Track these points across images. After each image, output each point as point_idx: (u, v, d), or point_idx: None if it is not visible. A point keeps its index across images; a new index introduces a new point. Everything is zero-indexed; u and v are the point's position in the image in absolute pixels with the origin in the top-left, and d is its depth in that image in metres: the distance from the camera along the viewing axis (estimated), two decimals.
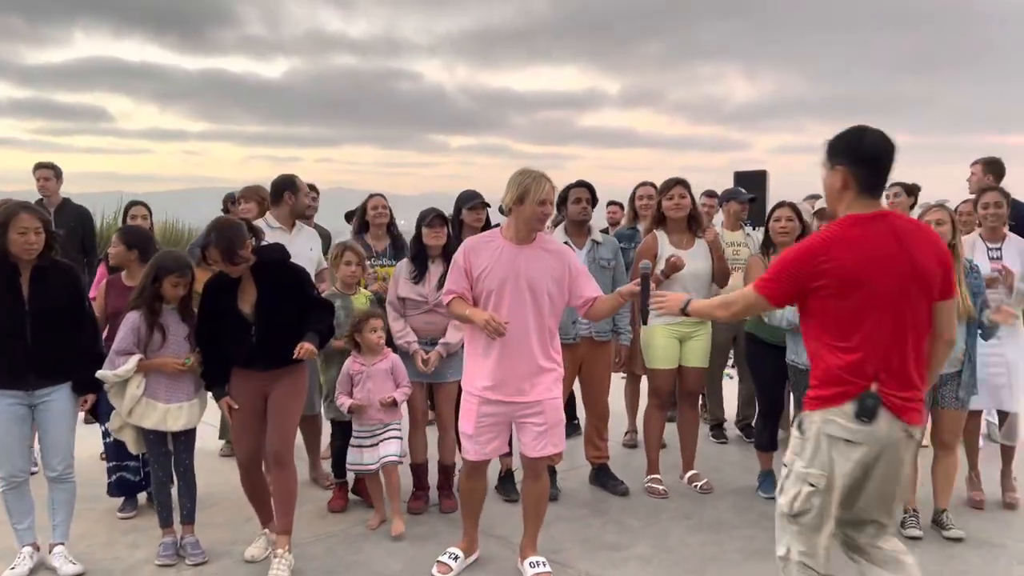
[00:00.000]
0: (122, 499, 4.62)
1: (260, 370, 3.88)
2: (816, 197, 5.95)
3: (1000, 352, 4.58)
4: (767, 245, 5.04)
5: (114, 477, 4.60)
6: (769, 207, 8.08)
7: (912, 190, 6.18)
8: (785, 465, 2.85)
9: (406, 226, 5.73)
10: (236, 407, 3.90)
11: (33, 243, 3.65)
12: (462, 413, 3.80)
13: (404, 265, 4.65)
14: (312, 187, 5.92)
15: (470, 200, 5.05)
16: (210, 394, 4.04)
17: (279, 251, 4.03)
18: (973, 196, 5.99)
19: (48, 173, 6.58)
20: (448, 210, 4.97)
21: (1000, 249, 4.86)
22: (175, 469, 4.02)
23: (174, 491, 4.05)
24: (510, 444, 4.33)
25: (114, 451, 4.55)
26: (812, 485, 2.72)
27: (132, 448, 4.04)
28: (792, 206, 5.02)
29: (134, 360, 3.80)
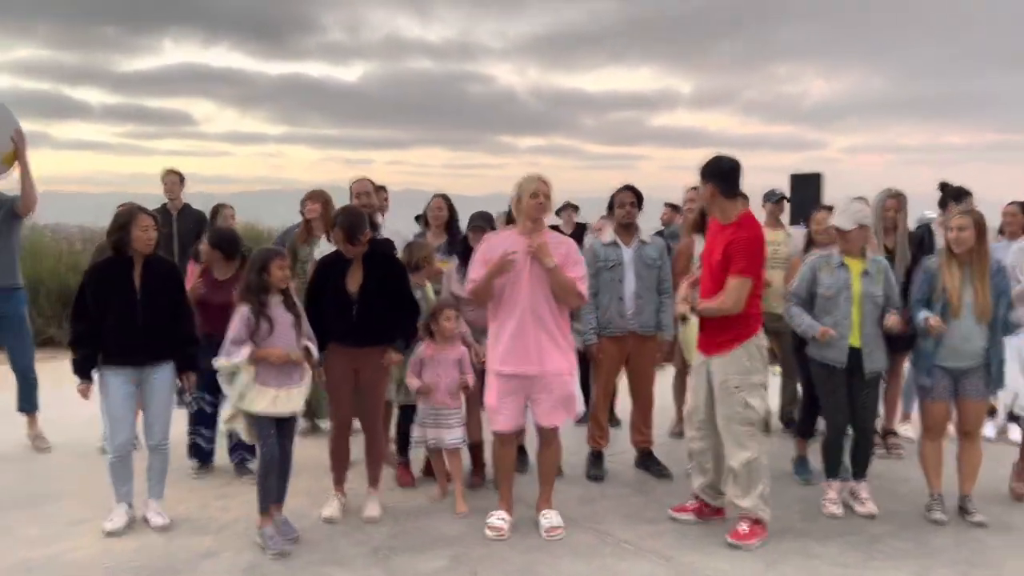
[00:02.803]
0: (196, 462, 5.36)
1: (353, 346, 4.47)
2: (861, 199, 6.15)
3: None
4: (810, 245, 5.36)
5: (191, 440, 5.36)
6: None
7: None
8: (737, 387, 4.09)
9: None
10: (324, 379, 4.51)
11: (152, 238, 4.32)
12: (487, 389, 4.41)
13: (455, 265, 5.19)
14: (382, 188, 6.42)
15: (473, 222, 5.40)
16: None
17: (390, 245, 4.70)
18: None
19: (175, 179, 7.33)
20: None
21: None
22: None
23: None
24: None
25: (195, 417, 5.32)
26: (764, 388, 4.19)
27: (245, 437, 4.31)
28: (831, 209, 5.33)
29: (247, 350, 4.13)
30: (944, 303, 4.40)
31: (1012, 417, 6.18)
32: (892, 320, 4.45)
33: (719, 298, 4.17)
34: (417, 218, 6.94)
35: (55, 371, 6.86)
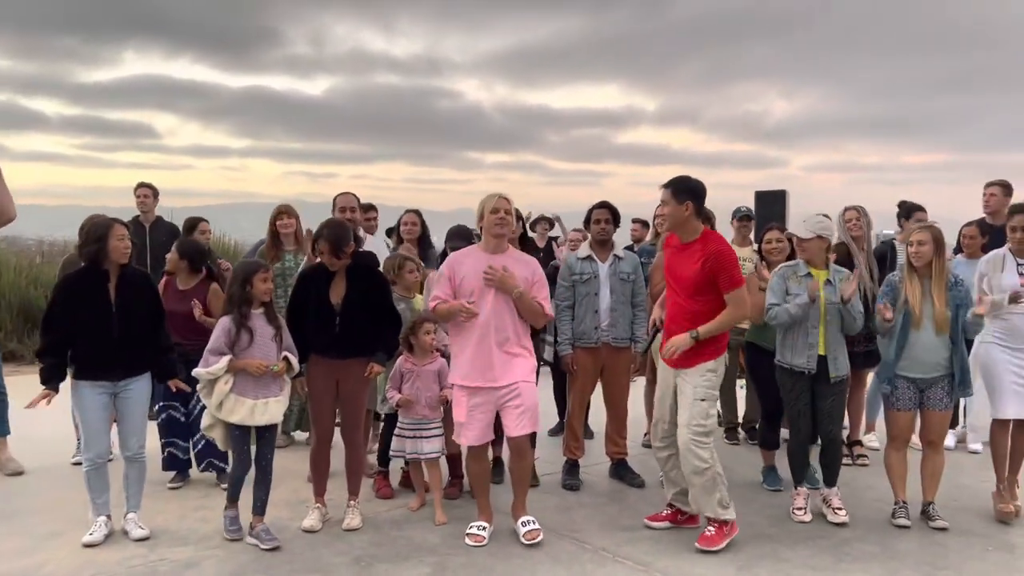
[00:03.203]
0: (174, 473, 5.36)
1: (335, 358, 4.52)
2: (826, 216, 6.35)
3: None
4: (762, 263, 5.54)
5: (166, 452, 5.34)
6: (790, 224, 8.51)
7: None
8: (703, 400, 4.27)
9: (437, 241, 6.36)
10: (306, 390, 4.57)
11: (128, 248, 4.32)
12: (454, 405, 4.49)
13: (435, 277, 5.25)
14: (371, 207, 6.49)
15: (453, 239, 5.45)
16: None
17: (373, 258, 4.76)
18: (980, 217, 6.40)
19: (148, 192, 7.33)
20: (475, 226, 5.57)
21: None
22: (256, 462, 4.44)
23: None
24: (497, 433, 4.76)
25: (165, 429, 5.32)
26: (717, 398, 4.46)
27: (220, 444, 4.44)
28: (779, 228, 5.53)
29: (225, 360, 4.24)
30: (906, 314, 4.57)
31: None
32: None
33: (725, 315, 4.26)
34: (389, 232, 7.04)
35: (18, 386, 6.77)
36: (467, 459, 4.57)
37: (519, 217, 5.67)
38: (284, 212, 6.02)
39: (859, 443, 6.11)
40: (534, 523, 4.43)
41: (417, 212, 6.37)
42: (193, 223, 6.43)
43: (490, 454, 4.73)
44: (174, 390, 4.65)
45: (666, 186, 4.40)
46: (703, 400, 4.32)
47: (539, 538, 4.35)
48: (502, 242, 4.42)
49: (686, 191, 4.32)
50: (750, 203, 10.00)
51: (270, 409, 4.35)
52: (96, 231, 4.28)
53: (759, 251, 5.52)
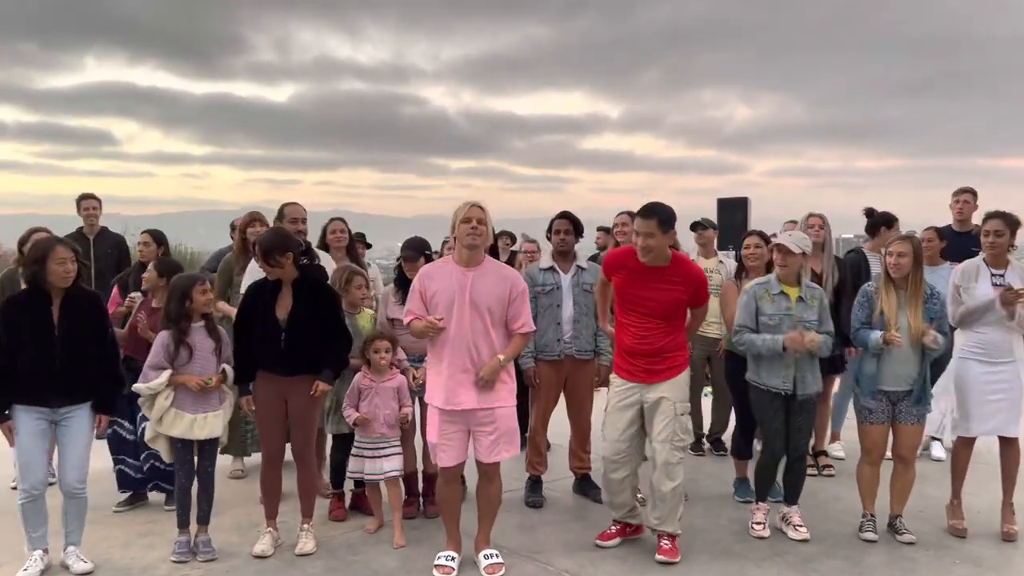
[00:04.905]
0: (125, 492, 5.11)
1: (282, 375, 4.33)
2: (793, 222, 6.31)
3: (1006, 379, 4.68)
4: (741, 270, 5.45)
5: (117, 469, 5.12)
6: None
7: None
8: (681, 414, 4.28)
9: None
10: (253, 408, 4.37)
11: (70, 271, 4.03)
12: (428, 425, 4.25)
13: (390, 290, 5.09)
14: (340, 219, 6.24)
15: (406, 250, 5.22)
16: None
17: (321, 272, 4.57)
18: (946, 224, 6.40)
19: (95, 204, 7.04)
20: (439, 232, 5.38)
21: (1003, 275, 4.75)
22: (197, 475, 4.38)
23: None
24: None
25: (115, 444, 5.09)
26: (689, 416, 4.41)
27: (165, 456, 4.42)
28: (760, 234, 5.44)
29: (165, 375, 4.23)
30: (882, 327, 4.47)
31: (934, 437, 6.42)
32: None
33: (698, 320, 4.67)
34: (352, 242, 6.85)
35: None
36: (439, 483, 4.30)
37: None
38: (256, 219, 5.67)
39: (824, 453, 6.04)
40: (497, 556, 4.21)
41: (342, 219, 6.14)
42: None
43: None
44: (98, 427, 4.30)
45: (647, 216, 4.20)
46: (681, 414, 4.29)
47: (501, 572, 4.14)
48: (475, 253, 4.11)
49: (669, 220, 4.22)
50: (712, 210, 10.00)
51: (209, 423, 4.33)
52: (34, 252, 4.05)
53: (738, 257, 5.46)
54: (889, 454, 4.72)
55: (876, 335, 4.45)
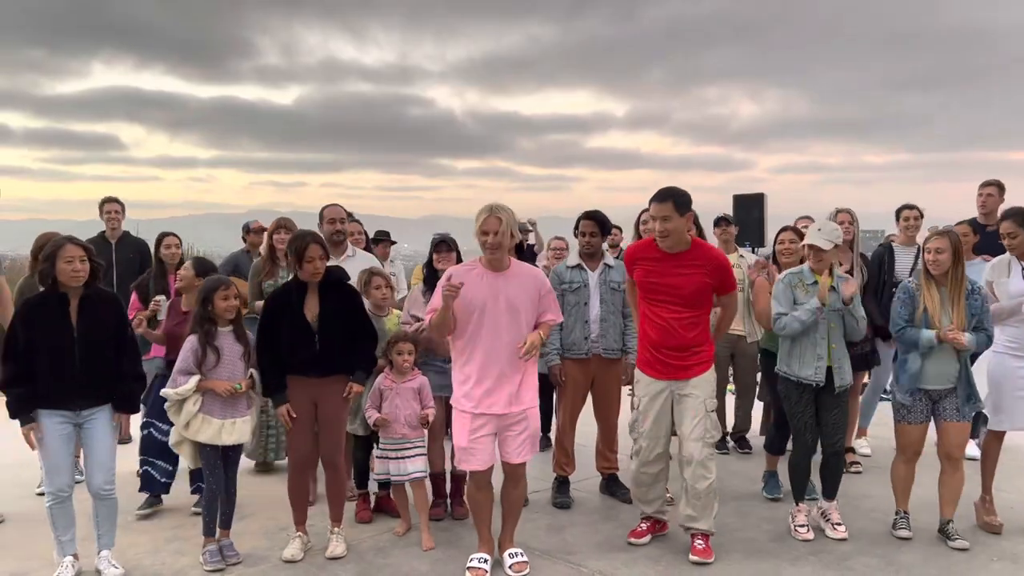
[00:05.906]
0: (147, 494, 5.06)
1: (315, 376, 4.30)
2: (808, 218, 6.28)
3: None
4: (775, 264, 5.42)
5: (142, 470, 5.07)
6: (768, 227, 8.36)
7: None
8: (712, 411, 4.26)
9: (408, 249, 6.13)
10: (294, 416, 4.30)
11: (79, 270, 3.97)
12: (455, 428, 4.19)
13: (419, 289, 5.06)
14: (356, 221, 6.20)
15: (437, 244, 5.18)
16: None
17: (341, 272, 4.53)
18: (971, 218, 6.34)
19: (118, 207, 6.98)
20: (452, 230, 5.37)
21: None
22: None
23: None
24: None
25: (146, 446, 5.06)
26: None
27: (189, 462, 4.40)
28: (795, 230, 5.41)
29: (193, 380, 4.20)
30: (926, 325, 4.41)
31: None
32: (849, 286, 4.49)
33: (725, 316, 4.58)
34: (375, 241, 6.85)
35: None
36: (469, 486, 4.26)
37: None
38: (283, 226, 5.59)
39: (851, 450, 5.99)
40: (522, 555, 4.20)
41: (358, 220, 6.15)
42: (159, 239, 6.12)
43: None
44: (119, 426, 4.34)
45: (663, 200, 4.17)
46: (713, 411, 4.28)
47: (526, 571, 4.13)
48: (500, 259, 4.09)
49: (686, 203, 4.19)
50: (725, 206, 9.94)
51: (237, 428, 4.30)
52: (45, 251, 4.03)
53: (772, 253, 5.45)
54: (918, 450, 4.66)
55: (929, 334, 4.36)
